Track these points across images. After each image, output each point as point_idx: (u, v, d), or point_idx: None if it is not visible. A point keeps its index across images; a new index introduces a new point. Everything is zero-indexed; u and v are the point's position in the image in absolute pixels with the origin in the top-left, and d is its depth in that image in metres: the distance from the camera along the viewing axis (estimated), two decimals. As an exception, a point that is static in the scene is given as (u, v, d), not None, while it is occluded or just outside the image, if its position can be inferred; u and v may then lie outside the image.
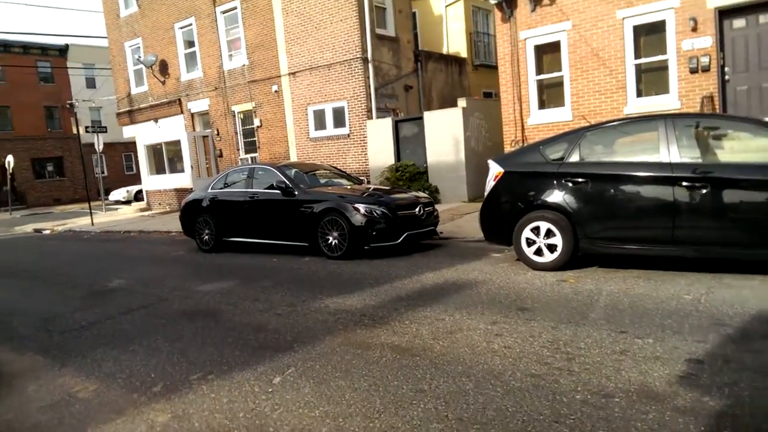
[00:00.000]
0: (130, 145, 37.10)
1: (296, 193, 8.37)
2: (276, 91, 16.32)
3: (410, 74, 16.05)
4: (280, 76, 16.18)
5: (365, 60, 14.30)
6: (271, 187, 8.81)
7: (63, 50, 36.22)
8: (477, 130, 13.40)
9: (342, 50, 14.56)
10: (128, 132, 21.85)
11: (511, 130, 12.20)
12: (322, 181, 9.27)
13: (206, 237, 9.65)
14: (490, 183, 6.43)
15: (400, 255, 7.72)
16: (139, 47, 20.29)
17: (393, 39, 15.46)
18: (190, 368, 3.98)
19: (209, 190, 9.77)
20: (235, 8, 16.92)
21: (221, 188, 9.64)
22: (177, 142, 20.05)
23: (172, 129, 19.84)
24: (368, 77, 14.39)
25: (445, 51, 18.72)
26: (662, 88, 10.44)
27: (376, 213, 7.65)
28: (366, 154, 14.61)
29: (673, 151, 5.32)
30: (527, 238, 6.06)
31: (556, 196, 5.85)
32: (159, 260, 9.41)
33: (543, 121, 11.77)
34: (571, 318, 4.35)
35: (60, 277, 8.43)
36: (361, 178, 11.56)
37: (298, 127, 16.08)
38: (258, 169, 9.28)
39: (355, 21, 14.18)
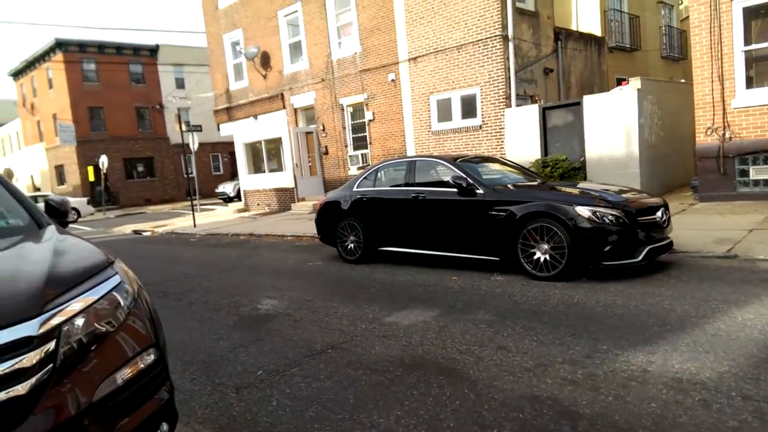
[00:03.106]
0: (218, 146, 37.12)
1: (480, 191, 6.50)
2: (392, 81, 14.62)
3: (550, 55, 13.89)
4: (397, 63, 14.47)
5: (505, 38, 12.30)
6: (441, 184, 7.01)
7: (154, 50, 36.48)
8: (650, 118, 11.07)
9: (477, 28, 12.62)
10: (226, 130, 20.91)
11: (707, 115, 9.82)
12: (498, 176, 7.34)
13: (352, 245, 7.97)
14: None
15: (635, 277, 5.67)
16: (239, 39, 19.24)
17: (532, 14, 13.37)
18: None
19: (355, 189, 8.09)
20: (347, -10, 15.39)
21: (371, 186, 7.93)
22: (277, 140, 18.83)
23: (272, 125, 18.63)
24: (508, 58, 12.38)
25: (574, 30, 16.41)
26: None
27: (608, 219, 5.63)
28: (503, 147, 12.60)
29: None
30: None
31: None
32: (298, 273, 7.81)
33: (754, 104, 9.32)
34: None
35: (191, 293, 6.97)
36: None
37: (418, 119, 14.29)
38: (419, 162, 7.48)
39: (493, -7, 12.21)
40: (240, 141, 20.38)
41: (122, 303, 2.26)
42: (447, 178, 6.99)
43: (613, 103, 10.85)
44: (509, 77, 12.44)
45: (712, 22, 9.55)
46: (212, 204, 26.83)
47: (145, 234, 17.16)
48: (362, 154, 15.85)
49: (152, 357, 2.29)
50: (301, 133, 17.53)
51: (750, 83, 9.49)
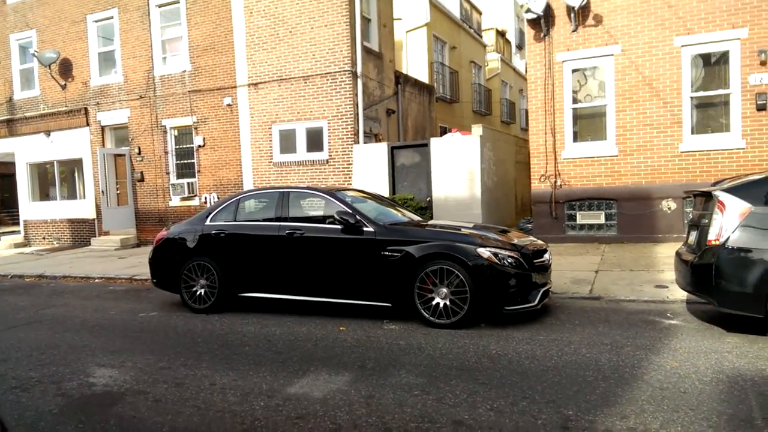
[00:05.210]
0: (-17, 165, 30.52)
1: (369, 228, 5.82)
2: (228, 105, 13.35)
3: (391, 97, 14.06)
4: (235, 87, 13.28)
5: (354, 74, 12.06)
6: (322, 219, 6.19)
7: None
8: (488, 163, 11.67)
9: (325, 61, 12.18)
10: (4, 146, 17.02)
11: (541, 163, 10.64)
12: (379, 212, 6.75)
13: (202, 291, 6.59)
14: (727, 226, 4.53)
15: (528, 322, 5.50)
16: (31, 41, 16.00)
17: (377, 54, 13.43)
18: None
19: (208, 222, 6.76)
20: (178, 2, 13.80)
21: (230, 220, 6.70)
22: (76, 161, 15.87)
23: (70, 144, 15.66)
24: (356, 94, 12.13)
25: (409, 78, 17.06)
26: (723, 125, 9.54)
27: (508, 262, 5.39)
28: (350, 183, 12.17)
29: None
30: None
31: None
32: (131, 328, 6.15)
33: (580, 155, 10.37)
34: None
35: (-27, 363, 4.93)
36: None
37: (257, 148, 13.20)
38: (293, 193, 6.52)
39: (343, 28, 11.95)
40: (23, 160, 16.73)
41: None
42: (321, 213, 6.22)
43: (458, 147, 11.20)
44: (357, 113, 12.17)
45: (546, 80, 10.48)
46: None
47: None
48: (188, 183, 14.05)
49: None
50: (110, 156, 15.00)
51: (576, 137, 10.57)
